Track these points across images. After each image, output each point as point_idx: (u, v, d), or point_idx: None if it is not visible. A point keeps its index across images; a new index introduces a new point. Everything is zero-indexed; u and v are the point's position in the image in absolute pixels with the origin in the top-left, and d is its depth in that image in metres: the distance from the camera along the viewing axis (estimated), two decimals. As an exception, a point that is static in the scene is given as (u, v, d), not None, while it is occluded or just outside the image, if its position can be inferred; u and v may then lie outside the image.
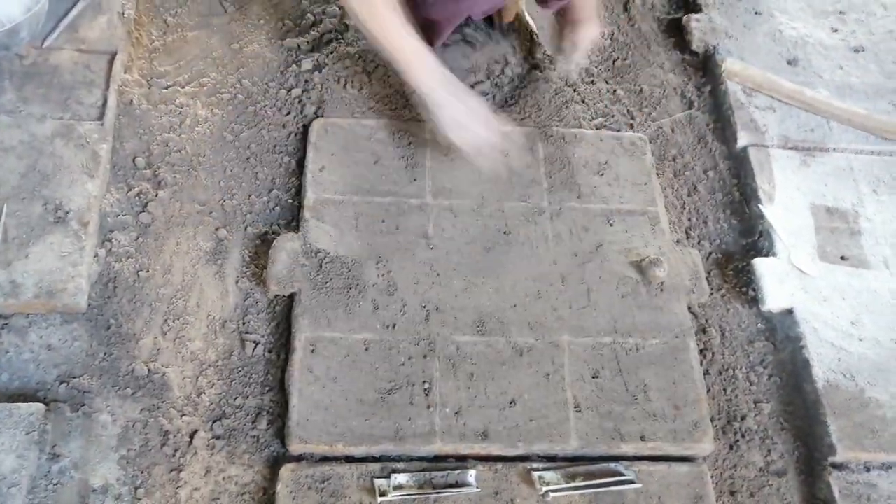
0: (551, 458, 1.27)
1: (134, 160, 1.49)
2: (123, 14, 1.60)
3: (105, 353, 1.29)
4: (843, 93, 1.77)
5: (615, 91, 1.75)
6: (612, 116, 1.70)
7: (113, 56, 1.54)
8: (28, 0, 1.45)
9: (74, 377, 1.26)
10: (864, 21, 1.94)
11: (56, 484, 1.16)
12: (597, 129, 1.66)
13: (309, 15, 1.73)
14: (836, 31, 1.91)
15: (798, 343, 1.42)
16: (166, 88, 1.60)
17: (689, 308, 1.44)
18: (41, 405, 1.19)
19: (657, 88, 1.77)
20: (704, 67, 1.82)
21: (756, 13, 1.90)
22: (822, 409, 1.34)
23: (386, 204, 1.46)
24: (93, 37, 1.56)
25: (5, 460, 1.13)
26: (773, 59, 1.81)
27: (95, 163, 1.41)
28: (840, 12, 1.95)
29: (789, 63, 1.81)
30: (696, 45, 1.82)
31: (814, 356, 1.39)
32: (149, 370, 1.28)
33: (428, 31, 1.50)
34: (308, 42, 1.69)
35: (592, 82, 1.75)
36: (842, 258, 1.54)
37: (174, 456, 1.22)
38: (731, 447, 1.34)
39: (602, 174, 1.56)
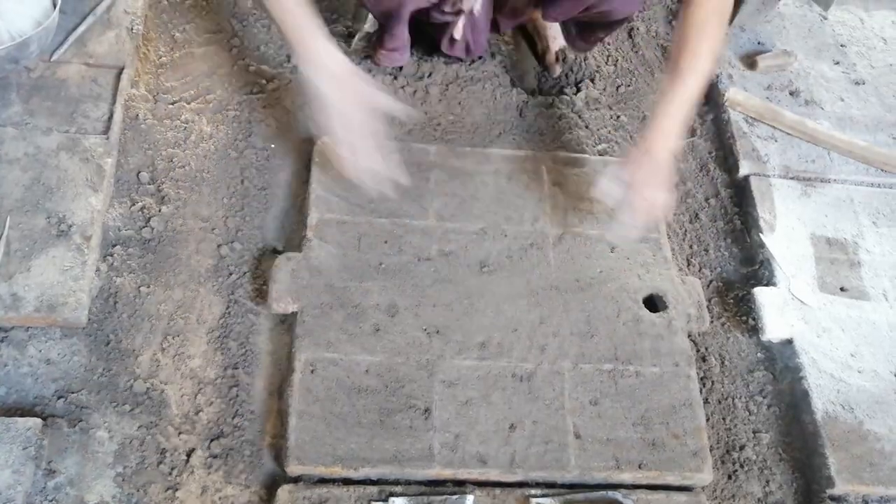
0: (550, 485, 1.26)
1: (138, 175, 1.49)
2: (132, 29, 1.61)
3: (104, 369, 1.28)
4: (844, 124, 1.79)
5: (619, 117, 1.76)
6: (616, 143, 1.71)
7: (120, 71, 1.55)
8: (38, 14, 1.46)
9: (72, 392, 1.25)
10: (865, 54, 1.96)
11: (51, 500, 1.15)
12: (600, 154, 1.67)
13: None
14: (837, 63, 1.93)
15: (797, 374, 1.42)
16: (172, 104, 1.60)
17: (690, 336, 1.44)
18: (38, 420, 1.18)
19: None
20: (707, 96, 1.83)
21: (759, 43, 1.93)
22: (820, 440, 1.34)
23: (389, 225, 1.46)
24: (101, 51, 1.57)
25: (1, 475, 1.12)
26: (774, 89, 1.83)
27: (100, 177, 1.41)
28: (841, 45, 1.97)
29: (791, 94, 1.83)
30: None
31: (813, 387, 1.39)
32: (147, 387, 1.28)
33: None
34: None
35: (596, 108, 1.76)
36: (841, 289, 1.54)
37: (171, 474, 1.21)
38: (729, 477, 1.34)
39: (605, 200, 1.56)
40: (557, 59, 1.77)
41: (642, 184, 1.37)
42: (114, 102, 1.51)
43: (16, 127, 1.44)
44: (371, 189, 1.39)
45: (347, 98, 1.32)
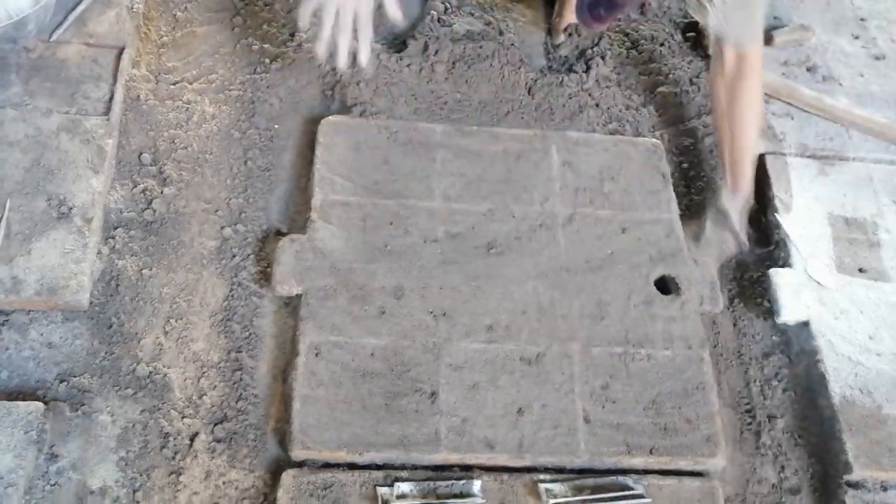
0: (559, 470, 1.24)
1: (140, 156, 1.47)
2: (132, 8, 1.58)
3: (106, 353, 1.27)
4: (864, 101, 1.74)
5: (630, 96, 1.72)
6: (627, 122, 1.67)
7: (121, 51, 1.52)
8: (36, -8, 1.43)
9: (75, 376, 1.24)
10: (886, 28, 1.90)
11: (54, 485, 1.14)
12: (611, 134, 1.63)
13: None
14: (856, 37, 1.87)
15: (814, 357, 1.38)
16: (174, 84, 1.57)
17: (703, 318, 1.41)
18: (40, 404, 1.17)
19: (673, 94, 1.74)
20: (721, 72, 1.78)
21: (775, 18, 1.87)
22: (837, 425, 1.31)
23: (394, 206, 1.43)
24: (101, 31, 1.54)
25: (3, 459, 1.11)
26: (791, 65, 1.78)
27: (101, 158, 1.39)
28: (861, 19, 1.92)
29: (808, 70, 1.78)
30: (713, 51, 1.79)
31: (830, 371, 1.36)
32: (150, 370, 1.26)
33: None
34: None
35: (607, 87, 1.72)
36: (860, 270, 1.50)
37: (174, 459, 1.20)
38: (743, 462, 1.31)
39: (616, 180, 1.53)
40: (566, 30, 1.73)
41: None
42: (114, 83, 1.49)
43: (15, 108, 1.42)
44: (322, 57, 1.35)
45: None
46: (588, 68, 1.73)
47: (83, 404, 1.21)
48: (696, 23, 1.85)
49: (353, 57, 1.34)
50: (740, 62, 1.43)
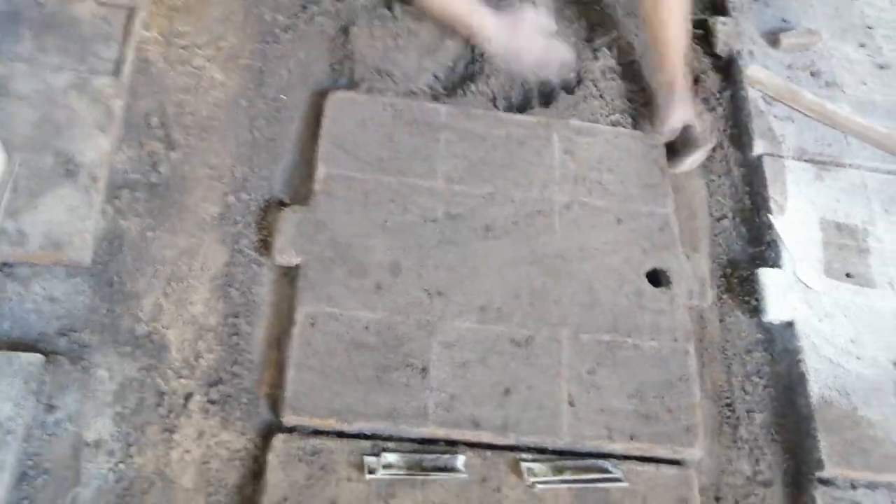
0: (541, 451, 1.27)
1: (147, 119, 1.48)
2: (147, -31, 1.58)
3: (107, 310, 1.29)
4: (865, 109, 1.75)
5: (633, 90, 1.73)
6: (629, 114, 1.69)
7: (132, 11, 1.53)
8: (52, -52, 1.44)
9: (75, 331, 1.26)
10: (892, 37, 1.91)
11: (51, 434, 1.17)
12: (613, 125, 1.65)
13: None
14: (862, 45, 1.89)
15: (796, 356, 1.42)
16: (184, 48, 1.58)
17: (691, 313, 1.44)
18: (40, 356, 1.19)
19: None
20: (726, 71, 1.80)
21: (783, 20, 1.88)
22: (813, 423, 1.35)
23: (396, 184, 1.46)
24: (114, -10, 1.54)
25: (3, 407, 1.14)
26: (796, 69, 1.80)
27: (109, 118, 1.40)
28: (868, 27, 1.93)
29: (812, 75, 1.80)
30: (721, 49, 1.80)
31: (810, 371, 1.40)
32: (149, 330, 1.29)
33: None
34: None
35: (612, 78, 1.73)
36: (847, 275, 1.53)
37: (168, 417, 1.23)
38: (720, 454, 1.35)
39: (615, 171, 1.55)
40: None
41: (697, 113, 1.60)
42: (125, 44, 1.49)
43: (26, 63, 1.42)
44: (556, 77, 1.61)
45: (514, 29, 1.57)
46: (595, 58, 1.74)
47: (82, 359, 1.24)
48: (705, 20, 1.86)
49: None
50: None
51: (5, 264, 1.28)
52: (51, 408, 1.19)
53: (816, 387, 1.38)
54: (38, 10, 1.48)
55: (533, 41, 1.59)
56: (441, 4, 1.58)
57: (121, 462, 1.18)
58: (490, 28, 1.57)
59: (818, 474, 1.32)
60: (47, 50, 1.45)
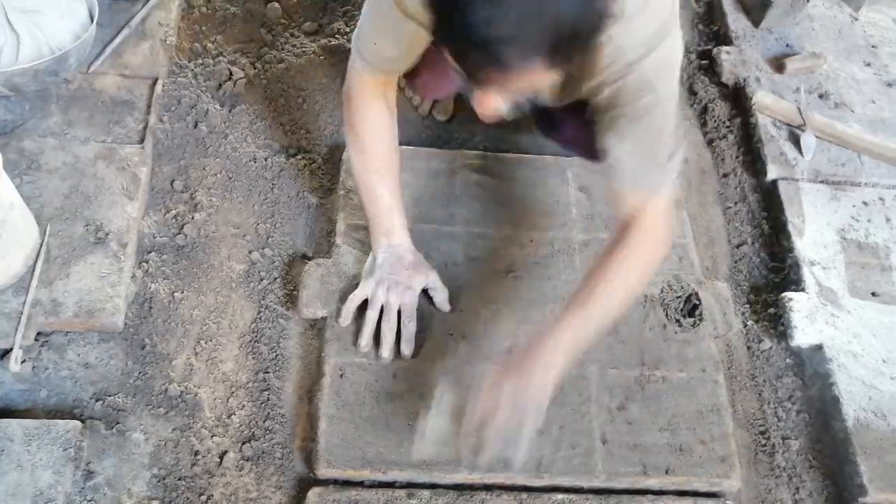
0: (576, 490, 1.26)
1: (172, 183, 1.53)
2: (165, 41, 1.65)
3: (139, 373, 1.32)
4: (876, 127, 1.76)
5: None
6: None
7: (154, 81, 1.59)
8: (77, 28, 1.51)
9: (110, 395, 1.29)
10: (897, 55, 1.93)
11: (90, 500, 1.19)
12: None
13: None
14: (868, 64, 1.91)
15: (827, 380, 1.40)
16: (205, 113, 1.64)
17: (717, 342, 1.43)
18: (77, 422, 1.22)
19: (685, 120, 1.78)
20: (734, 99, 1.83)
21: (787, 45, 1.91)
22: (851, 448, 1.33)
23: (416, 231, 1.48)
24: (136, 62, 1.61)
25: (43, 476, 1.16)
26: (803, 92, 1.81)
27: (135, 185, 1.45)
28: (872, 46, 1.95)
29: (820, 97, 1.81)
30: (727, 78, 1.83)
31: (843, 393, 1.38)
32: (181, 390, 1.31)
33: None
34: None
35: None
36: (872, 294, 1.52)
37: (204, 476, 1.24)
38: (758, 484, 1.33)
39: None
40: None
41: (507, 396, 1.07)
42: (148, 112, 1.55)
43: (55, 137, 1.48)
44: (364, 349, 1.33)
45: (398, 266, 1.34)
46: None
47: (118, 422, 1.26)
48: (710, 51, 1.89)
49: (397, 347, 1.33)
50: (638, 210, 1.14)
51: (41, 333, 1.32)
52: (89, 473, 1.21)
53: (851, 409, 1.36)
54: (66, 86, 1.55)
55: (403, 277, 1.33)
56: (367, 198, 1.36)
57: (160, 524, 1.19)
58: (384, 249, 1.35)
59: (861, 500, 1.30)
60: (75, 123, 1.51)
